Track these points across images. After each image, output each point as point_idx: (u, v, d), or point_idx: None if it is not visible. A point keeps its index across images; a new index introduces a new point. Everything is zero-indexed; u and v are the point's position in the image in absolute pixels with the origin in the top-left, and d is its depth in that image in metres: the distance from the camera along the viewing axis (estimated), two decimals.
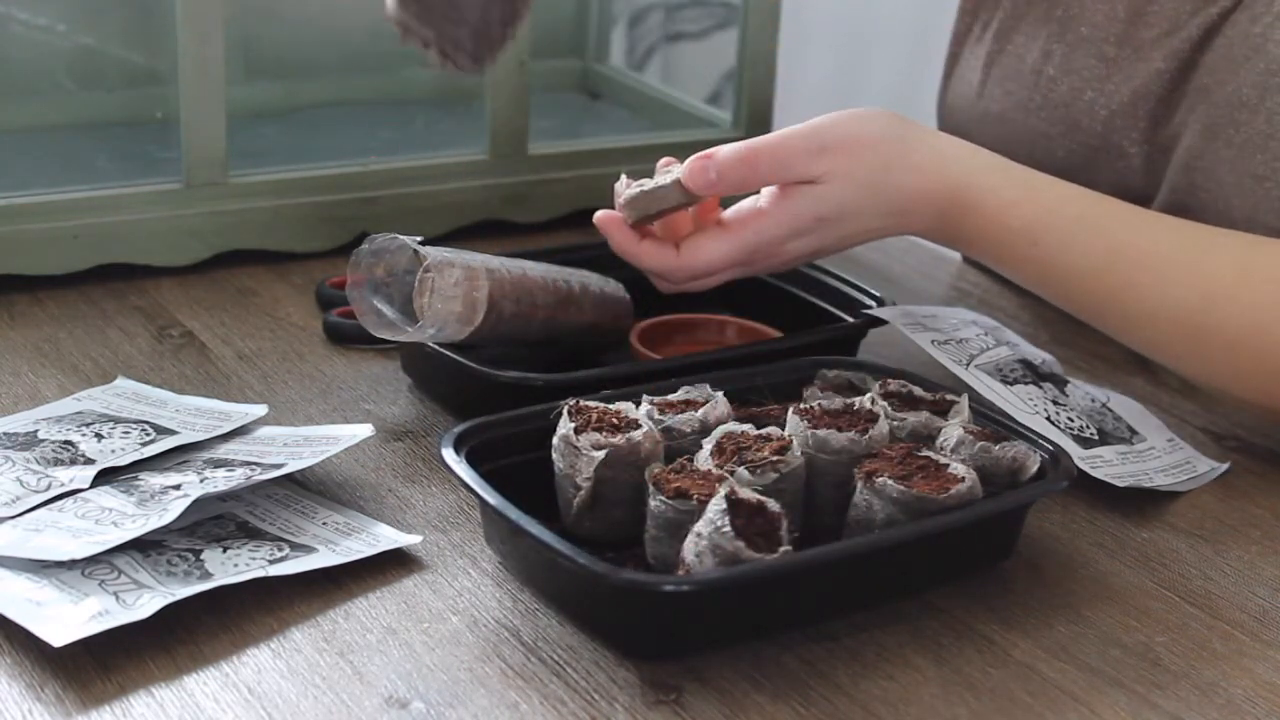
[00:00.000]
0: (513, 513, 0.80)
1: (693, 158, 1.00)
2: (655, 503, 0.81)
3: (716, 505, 0.77)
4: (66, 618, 0.77)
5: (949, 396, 0.91)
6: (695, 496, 0.79)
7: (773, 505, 0.79)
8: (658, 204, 1.01)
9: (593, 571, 0.76)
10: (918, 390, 0.91)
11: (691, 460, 0.84)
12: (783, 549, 0.77)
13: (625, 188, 1.02)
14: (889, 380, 0.92)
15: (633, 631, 0.79)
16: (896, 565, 0.83)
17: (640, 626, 0.79)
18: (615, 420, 0.85)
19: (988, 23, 1.21)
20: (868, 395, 0.89)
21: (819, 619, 0.81)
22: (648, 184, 1.01)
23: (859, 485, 0.83)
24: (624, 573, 0.77)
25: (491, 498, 0.81)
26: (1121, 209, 1.02)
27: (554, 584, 0.82)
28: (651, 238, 1.03)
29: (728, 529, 0.76)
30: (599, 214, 1.03)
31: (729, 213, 1.03)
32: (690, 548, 0.77)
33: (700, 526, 0.77)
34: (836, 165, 1.00)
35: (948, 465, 0.83)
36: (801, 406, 0.88)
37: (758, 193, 1.03)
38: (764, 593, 0.79)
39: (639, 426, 0.84)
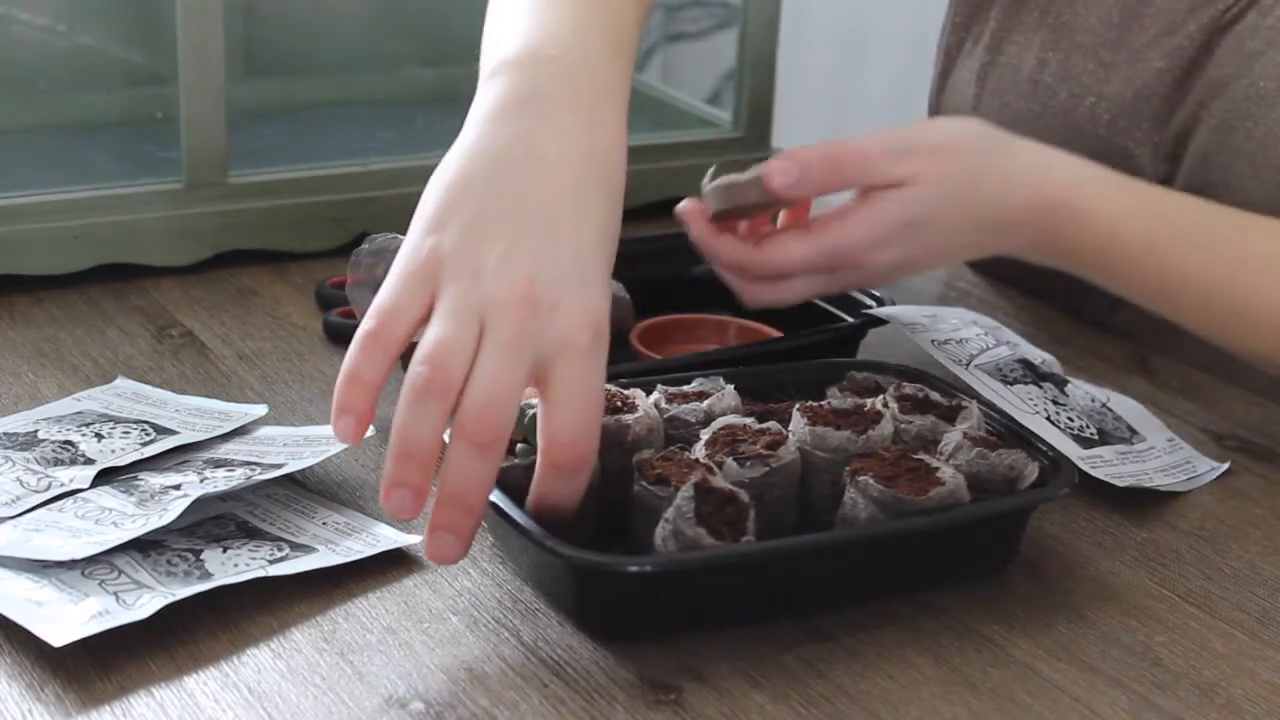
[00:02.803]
0: (495, 494, 0.80)
1: (777, 155, 0.97)
2: (636, 487, 0.82)
3: (685, 492, 0.78)
4: (66, 618, 0.77)
5: (963, 402, 0.91)
6: (674, 483, 0.80)
7: (743, 496, 0.80)
8: (738, 198, 0.95)
9: (552, 551, 0.77)
10: (934, 395, 0.91)
11: (686, 450, 0.84)
12: (745, 539, 0.78)
13: (710, 180, 0.97)
14: (904, 384, 0.92)
15: (590, 612, 0.80)
16: (875, 564, 0.83)
17: (602, 608, 0.80)
18: (620, 404, 0.86)
19: (979, 35, 1.21)
20: (879, 397, 0.89)
21: (795, 610, 0.82)
22: (733, 178, 0.96)
23: (847, 483, 0.83)
24: (576, 552, 0.78)
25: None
26: (1235, 215, 0.98)
27: (530, 567, 0.83)
28: (732, 233, 0.98)
29: (690, 515, 0.78)
30: (683, 203, 0.97)
31: (814, 216, 0.98)
32: (659, 532, 0.78)
33: (669, 512, 0.78)
34: (924, 168, 0.94)
35: (937, 469, 0.83)
36: (807, 404, 0.88)
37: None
38: (719, 580, 0.79)
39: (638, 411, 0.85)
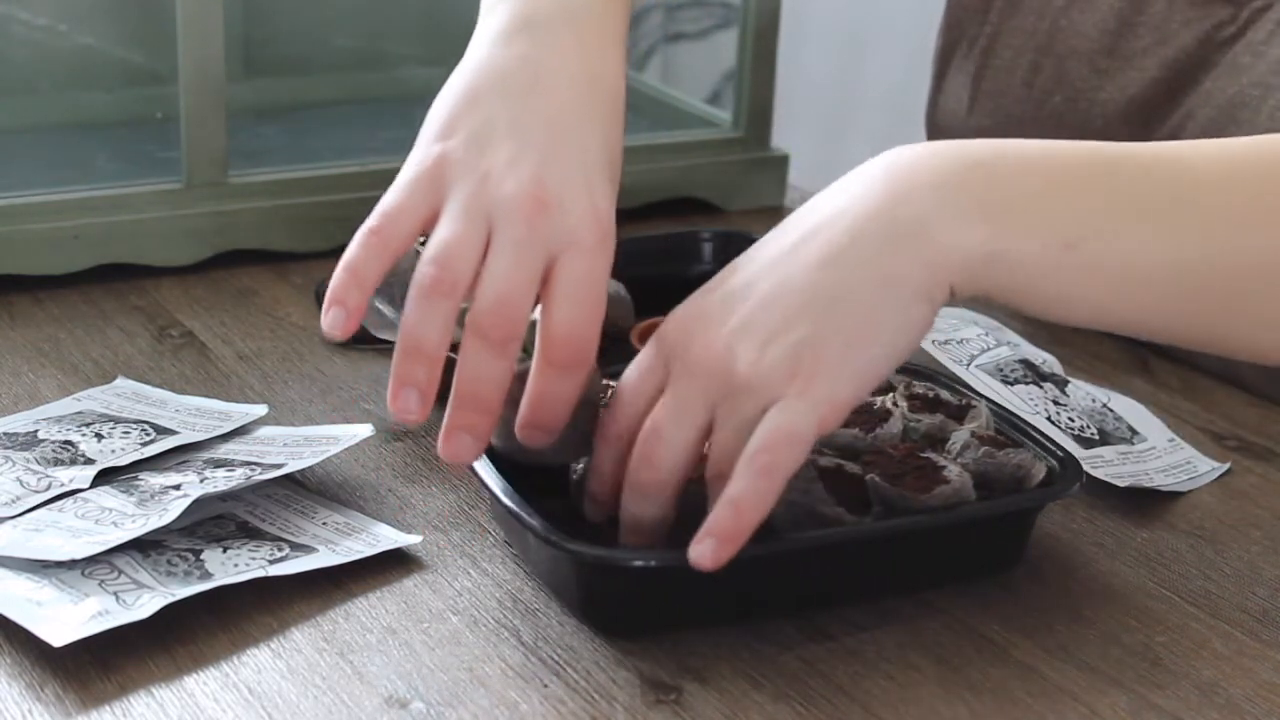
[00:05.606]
0: (499, 485, 0.80)
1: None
2: None
3: (807, 473, 0.80)
4: (66, 618, 0.77)
5: (972, 402, 0.91)
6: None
7: (854, 469, 0.81)
8: None
9: (558, 546, 0.78)
10: (944, 394, 0.91)
11: None
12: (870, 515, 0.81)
13: None
14: (915, 383, 0.92)
15: (595, 607, 0.80)
16: (878, 562, 0.83)
17: (607, 603, 0.80)
18: None
19: (974, 39, 1.21)
20: (889, 395, 0.89)
21: (801, 608, 0.82)
22: None
23: None
24: (582, 546, 0.78)
25: (491, 477, 0.81)
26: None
27: (540, 564, 0.83)
28: None
29: (826, 496, 0.80)
30: None
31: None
32: (783, 516, 0.79)
33: (794, 495, 0.79)
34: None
35: (944, 468, 0.83)
36: None
37: None
38: (727, 576, 0.79)
39: None
